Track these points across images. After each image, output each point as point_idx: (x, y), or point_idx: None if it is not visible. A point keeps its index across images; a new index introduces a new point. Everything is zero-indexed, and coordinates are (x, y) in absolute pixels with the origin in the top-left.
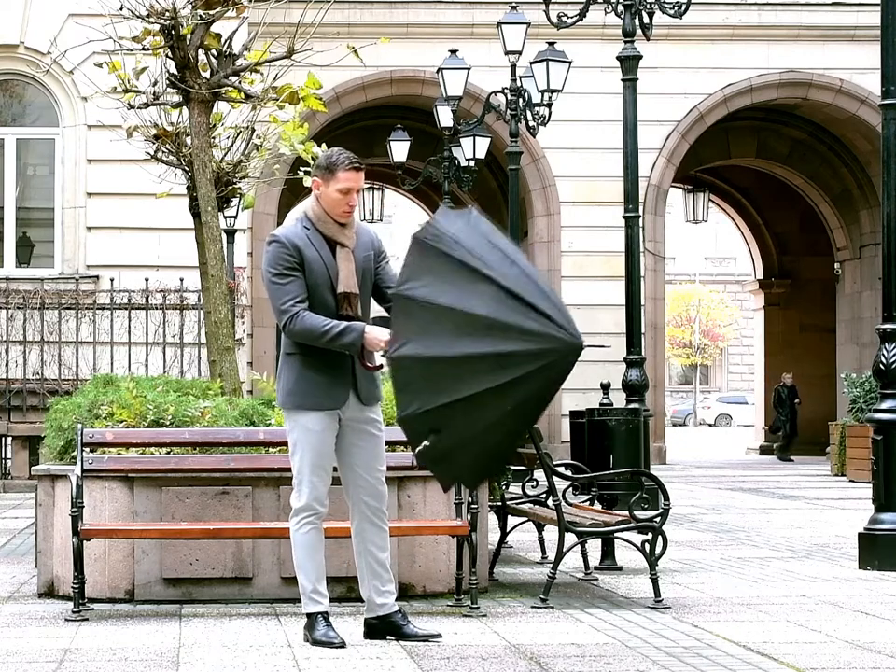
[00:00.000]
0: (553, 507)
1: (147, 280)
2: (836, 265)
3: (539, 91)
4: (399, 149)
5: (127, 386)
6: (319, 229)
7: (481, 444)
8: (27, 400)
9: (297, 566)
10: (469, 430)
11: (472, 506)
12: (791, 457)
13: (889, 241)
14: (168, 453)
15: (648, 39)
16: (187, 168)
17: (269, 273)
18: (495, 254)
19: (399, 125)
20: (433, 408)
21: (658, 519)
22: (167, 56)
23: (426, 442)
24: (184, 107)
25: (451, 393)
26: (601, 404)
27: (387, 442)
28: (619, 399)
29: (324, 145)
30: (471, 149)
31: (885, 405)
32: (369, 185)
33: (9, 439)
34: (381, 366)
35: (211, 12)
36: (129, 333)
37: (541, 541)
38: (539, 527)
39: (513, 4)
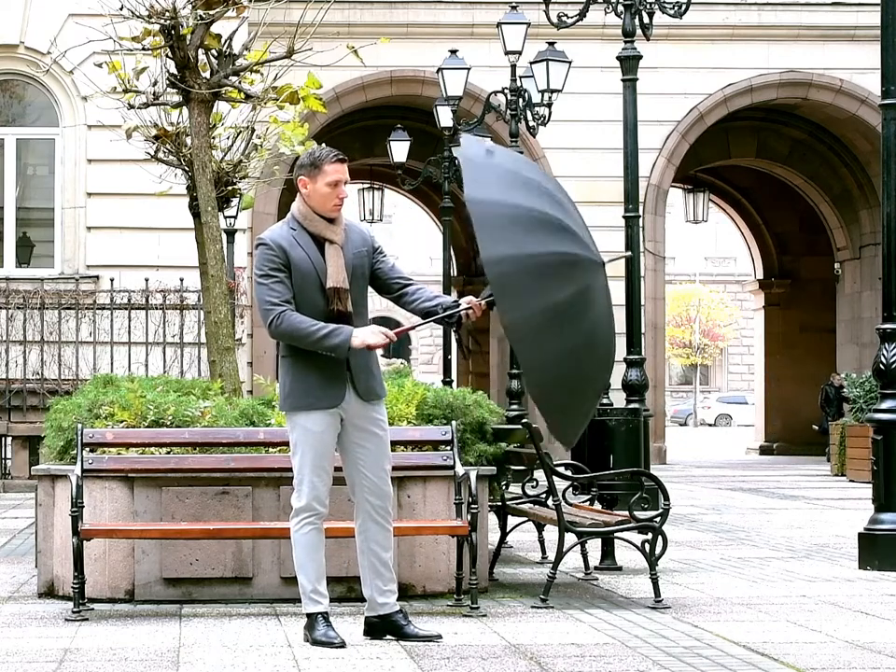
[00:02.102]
0: (553, 507)
1: (146, 280)
2: (836, 265)
3: (538, 91)
4: (399, 149)
5: (129, 387)
6: (306, 227)
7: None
8: (27, 400)
9: (297, 566)
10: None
11: (472, 506)
12: None
13: (889, 241)
14: (168, 453)
15: (648, 39)
16: (187, 168)
17: (256, 275)
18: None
19: (398, 125)
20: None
21: (658, 519)
22: (167, 56)
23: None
24: (184, 107)
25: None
26: (601, 404)
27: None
28: (619, 399)
29: (323, 144)
30: None
31: (885, 405)
32: (369, 185)
33: (9, 439)
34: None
35: (211, 12)
36: (129, 333)
37: (541, 541)
38: (539, 527)
39: (513, 4)
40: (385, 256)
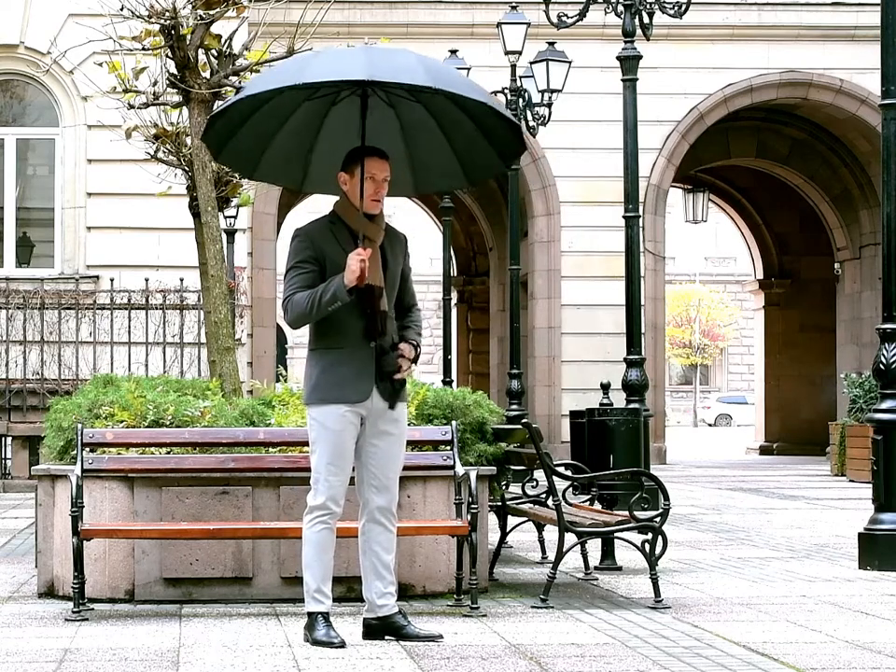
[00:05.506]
0: (553, 507)
1: (146, 280)
2: (836, 265)
3: (538, 91)
4: None
5: (128, 387)
6: (345, 222)
7: None
8: (27, 400)
9: (305, 563)
10: None
11: (472, 506)
12: None
13: (889, 241)
14: (168, 453)
15: (648, 39)
16: (187, 168)
17: (286, 268)
18: None
19: None
20: None
21: (658, 519)
22: (167, 56)
23: None
24: (184, 107)
25: None
26: (601, 404)
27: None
28: (619, 399)
29: None
30: None
31: (885, 405)
32: None
33: (9, 439)
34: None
35: (211, 12)
36: (129, 333)
37: (541, 541)
38: (539, 527)
39: (513, 4)
40: (409, 276)
